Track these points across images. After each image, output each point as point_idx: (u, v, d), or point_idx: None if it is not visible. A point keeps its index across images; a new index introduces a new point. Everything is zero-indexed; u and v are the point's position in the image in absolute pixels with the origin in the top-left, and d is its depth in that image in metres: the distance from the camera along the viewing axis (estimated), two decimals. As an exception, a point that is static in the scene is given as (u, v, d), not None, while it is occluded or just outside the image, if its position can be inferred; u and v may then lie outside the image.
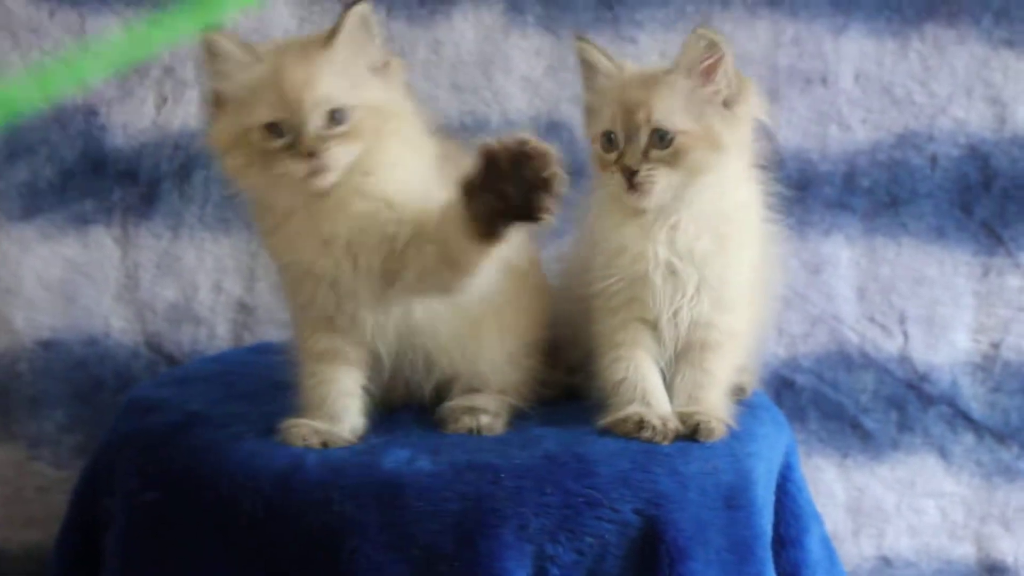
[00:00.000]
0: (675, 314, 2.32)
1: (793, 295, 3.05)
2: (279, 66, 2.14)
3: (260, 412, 2.32)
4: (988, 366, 3.11)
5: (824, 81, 3.10)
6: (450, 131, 2.93)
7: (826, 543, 2.52)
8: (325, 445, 2.20)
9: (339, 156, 2.12)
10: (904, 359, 3.11)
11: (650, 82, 2.29)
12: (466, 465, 2.13)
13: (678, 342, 2.34)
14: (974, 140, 3.10)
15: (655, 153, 2.24)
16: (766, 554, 2.23)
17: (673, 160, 2.25)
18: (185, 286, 3.12)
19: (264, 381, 2.48)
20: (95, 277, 3.10)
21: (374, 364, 2.30)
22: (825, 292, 3.11)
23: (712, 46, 2.26)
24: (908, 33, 3.09)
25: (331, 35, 2.16)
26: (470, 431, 2.28)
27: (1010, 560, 3.14)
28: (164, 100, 3.08)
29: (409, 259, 2.18)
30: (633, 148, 2.25)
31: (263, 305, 3.07)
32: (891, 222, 3.11)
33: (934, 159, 3.10)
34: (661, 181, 2.24)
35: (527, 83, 3.10)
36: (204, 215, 3.08)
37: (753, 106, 2.32)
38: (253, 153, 2.14)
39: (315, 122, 2.11)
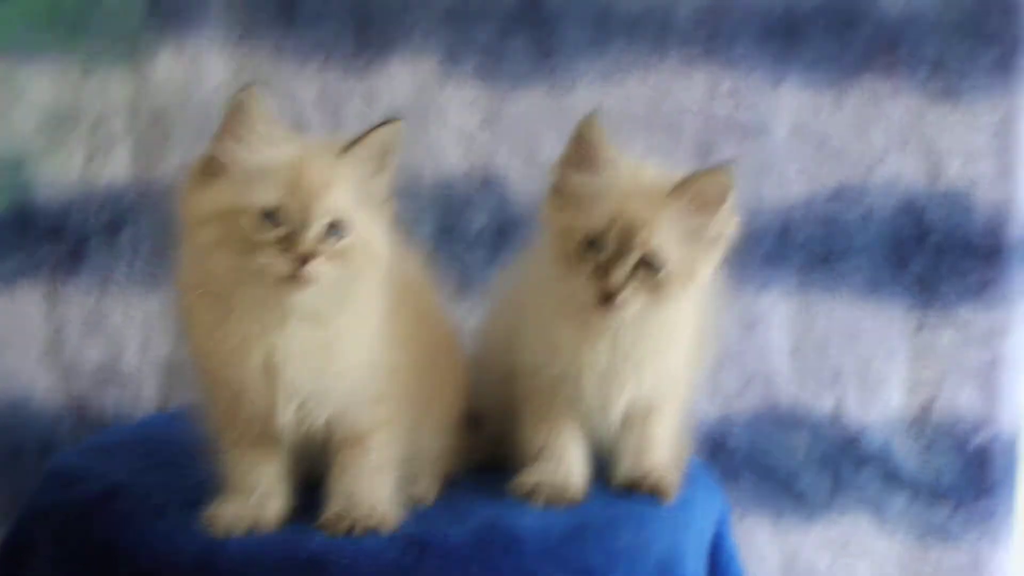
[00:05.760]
0: (605, 406, 2.30)
1: (727, 353, 3.03)
2: (303, 157, 2.04)
3: (183, 483, 2.27)
4: (921, 424, 3.10)
5: (760, 133, 3.09)
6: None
7: (758, 610, 2.52)
8: (251, 530, 2.13)
9: (325, 271, 2.02)
10: (837, 418, 3.10)
11: (655, 202, 2.18)
12: (390, 541, 2.10)
13: (609, 424, 2.32)
14: (909, 194, 3.09)
15: (638, 277, 2.16)
16: (695, 626, 2.22)
17: (653, 289, 2.17)
18: (112, 345, 3.07)
19: (187, 449, 2.43)
20: (18, 339, 3.05)
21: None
22: (759, 349, 3.10)
23: (726, 192, 2.18)
24: (845, 85, 3.09)
25: (351, 145, 2.08)
26: (405, 500, 2.22)
27: (942, 619, 3.14)
28: (93, 153, 3.04)
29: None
30: (620, 268, 2.15)
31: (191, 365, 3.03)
32: (826, 276, 3.10)
33: (869, 213, 3.09)
34: (636, 306, 2.17)
35: (462, 135, 3.08)
36: (133, 272, 3.04)
37: (726, 244, 2.25)
38: (234, 234, 2.02)
39: (318, 227, 2.02)
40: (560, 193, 2.25)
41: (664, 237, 2.16)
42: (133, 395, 3.07)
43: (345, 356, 2.12)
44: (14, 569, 2.33)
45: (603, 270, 2.16)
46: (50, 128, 3.02)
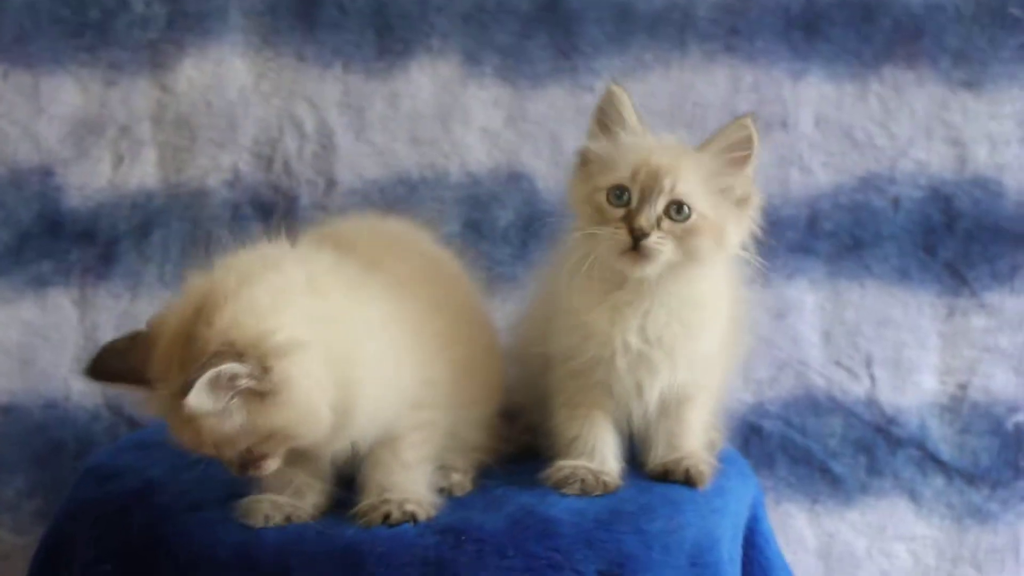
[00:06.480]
0: (639, 391, 2.29)
1: (758, 340, 3.03)
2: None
3: (219, 479, 2.25)
4: (956, 407, 3.10)
5: (784, 126, 3.10)
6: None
7: (795, 594, 2.51)
8: (288, 521, 2.14)
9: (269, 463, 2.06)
10: (871, 402, 3.10)
11: (680, 152, 2.23)
12: (425, 529, 2.10)
13: (645, 410, 2.32)
14: (935, 182, 3.10)
15: (668, 224, 2.17)
16: (731, 610, 2.21)
17: (682, 238, 2.18)
18: (145, 346, 3.06)
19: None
20: (54, 339, 3.05)
21: None
22: (790, 336, 3.11)
23: (749, 141, 2.22)
24: (867, 76, 3.10)
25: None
26: (440, 490, 2.24)
27: (982, 603, 3.13)
28: (120, 159, 3.05)
29: None
30: (648, 211, 2.17)
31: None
32: (855, 265, 3.11)
33: (896, 201, 3.10)
34: (666, 254, 2.17)
35: (486, 134, 3.09)
36: (164, 274, 3.04)
37: (753, 216, 2.27)
38: None
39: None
40: (587, 163, 2.28)
41: (690, 185, 2.18)
42: (167, 395, 3.06)
43: (367, 398, 2.09)
44: (55, 565, 2.33)
45: (632, 215, 2.18)
46: (76, 136, 3.03)
